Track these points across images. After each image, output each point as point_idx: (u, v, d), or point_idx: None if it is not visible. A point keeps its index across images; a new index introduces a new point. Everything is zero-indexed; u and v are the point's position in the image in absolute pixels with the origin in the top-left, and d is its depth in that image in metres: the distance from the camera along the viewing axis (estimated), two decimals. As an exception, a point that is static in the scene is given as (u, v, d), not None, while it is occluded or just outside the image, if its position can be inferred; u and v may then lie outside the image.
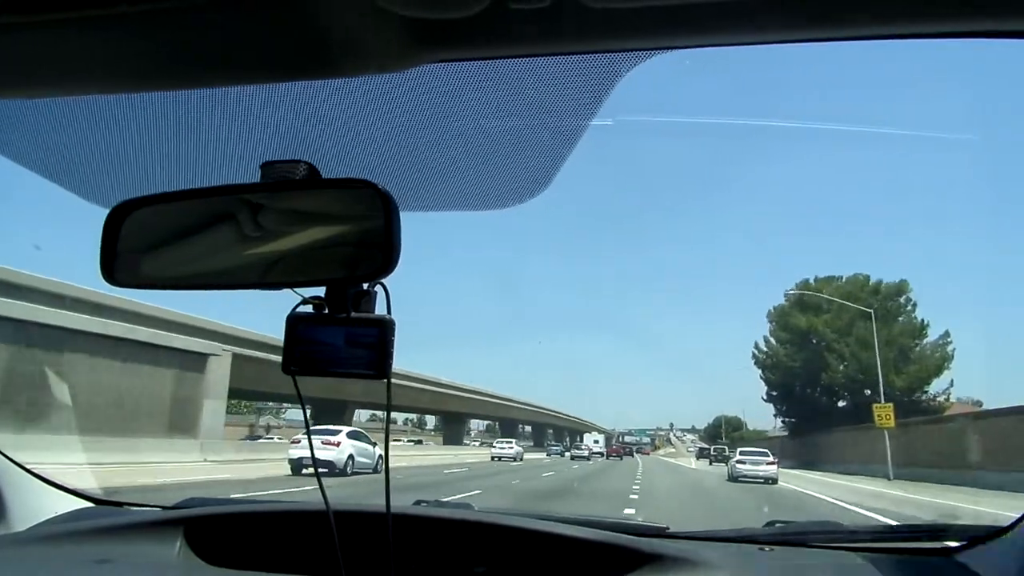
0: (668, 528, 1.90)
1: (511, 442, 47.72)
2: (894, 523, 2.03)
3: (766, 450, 29.21)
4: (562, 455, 59.47)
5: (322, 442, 20.48)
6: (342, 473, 20.42)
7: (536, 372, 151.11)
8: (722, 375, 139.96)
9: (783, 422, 59.97)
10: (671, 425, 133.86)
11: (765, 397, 58.35)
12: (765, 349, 56.33)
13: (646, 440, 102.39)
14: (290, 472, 19.79)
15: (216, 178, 1.19)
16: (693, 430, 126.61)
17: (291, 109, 1.13)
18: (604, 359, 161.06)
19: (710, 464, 47.98)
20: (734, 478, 26.01)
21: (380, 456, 22.98)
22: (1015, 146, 56.43)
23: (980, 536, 1.65)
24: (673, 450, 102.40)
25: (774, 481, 24.98)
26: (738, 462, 27.09)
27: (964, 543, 1.67)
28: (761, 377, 56.99)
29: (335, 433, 21.56)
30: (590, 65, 1.00)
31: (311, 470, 18.98)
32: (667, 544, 1.63)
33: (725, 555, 1.60)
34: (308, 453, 20.74)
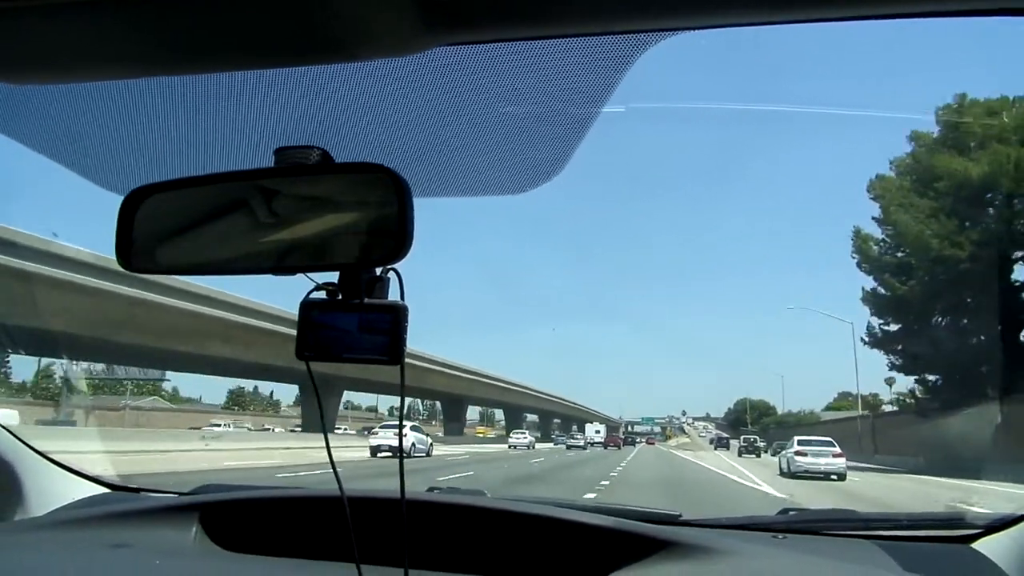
0: (681, 515, 1.90)
1: (524, 433, 54.22)
2: (910, 512, 2.01)
3: (830, 439, 23.77)
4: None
5: (393, 433, 27.15)
6: (407, 456, 25.62)
7: (543, 361, 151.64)
8: (736, 361, 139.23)
9: (916, 380, 32.61)
10: (683, 412, 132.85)
11: (867, 339, 31.58)
12: (881, 236, 29.42)
13: (657, 430, 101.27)
14: (369, 455, 26.20)
15: (230, 164, 1.19)
16: (708, 418, 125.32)
17: (304, 94, 1.13)
18: (612, 347, 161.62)
19: (740, 455, 38.32)
20: (792, 473, 21.54)
21: (431, 443, 31.18)
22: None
23: (997, 524, 1.64)
24: (687, 440, 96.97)
25: (841, 477, 20.86)
26: (797, 453, 22.23)
27: (981, 531, 1.66)
28: (865, 300, 30.33)
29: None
30: (602, 49, 0.99)
31: (384, 454, 26.39)
32: (680, 531, 1.63)
33: (738, 542, 1.60)
34: (383, 442, 26.68)
